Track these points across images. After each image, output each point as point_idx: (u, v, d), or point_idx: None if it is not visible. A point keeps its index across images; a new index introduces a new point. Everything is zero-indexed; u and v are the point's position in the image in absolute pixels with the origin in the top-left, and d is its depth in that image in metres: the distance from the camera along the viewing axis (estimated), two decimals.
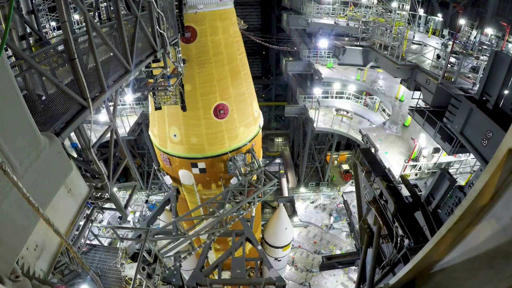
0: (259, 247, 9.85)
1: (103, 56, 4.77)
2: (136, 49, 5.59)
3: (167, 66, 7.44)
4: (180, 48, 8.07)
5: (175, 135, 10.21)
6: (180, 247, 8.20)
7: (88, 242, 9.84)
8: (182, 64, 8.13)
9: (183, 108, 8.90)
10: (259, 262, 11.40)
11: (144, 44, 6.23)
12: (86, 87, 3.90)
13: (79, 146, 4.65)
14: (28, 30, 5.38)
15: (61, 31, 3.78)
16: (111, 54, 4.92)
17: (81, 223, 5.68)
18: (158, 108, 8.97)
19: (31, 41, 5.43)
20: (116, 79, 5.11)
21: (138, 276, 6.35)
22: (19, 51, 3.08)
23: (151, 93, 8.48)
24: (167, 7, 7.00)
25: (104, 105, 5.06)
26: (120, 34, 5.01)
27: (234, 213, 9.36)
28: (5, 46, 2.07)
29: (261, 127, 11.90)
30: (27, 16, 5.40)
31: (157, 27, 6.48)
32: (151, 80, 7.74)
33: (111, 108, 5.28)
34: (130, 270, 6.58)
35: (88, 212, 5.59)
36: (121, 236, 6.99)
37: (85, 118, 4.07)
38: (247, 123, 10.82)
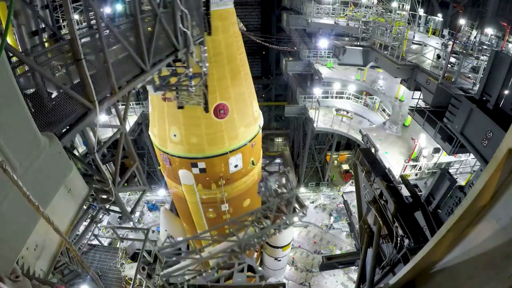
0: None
1: (117, 54, 4.58)
2: (155, 48, 5.29)
3: (190, 66, 7.03)
4: (206, 48, 7.61)
5: (175, 135, 10.21)
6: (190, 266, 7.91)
7: (84, 240, 9.82)
8: (207, 64, 7.66)
9: (206, 109, 8.50)
10: (258, 262, 11.41)
11: (165, 42, 5.88)
12: (93, 89, 3.75)
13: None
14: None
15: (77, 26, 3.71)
16: (126, 53, 4.70)
17: (85, 223, 5.60)
18: (180, 107, 8.54)
19: (45, 36, 5.23)
20: (129, 80, 4.90)
21: (138, 276, 6.35)
22: (17, 54, 3.00)
23: (172, 93, 7.96)
24: (193, 5, 6.60)
25: (113, 107, 4.85)
26: (135, 32, 4.74)
27: (256, 239, 8.56)
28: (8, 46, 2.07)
29: (261, 127, 11.89)
30: (42, 11, 5.14)
31: (180, 25, 6.03)
32: (175, 78, 7.33)
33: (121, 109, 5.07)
34: (130, 270, 6.59)
35: (93, 213, 5.48)
36: (121, 236, 6.99)
37: (91, 121, 3.91)
38: (247, 123, 10.81)
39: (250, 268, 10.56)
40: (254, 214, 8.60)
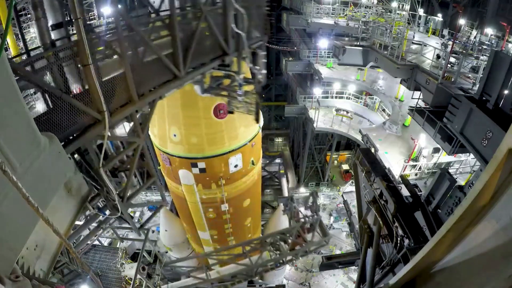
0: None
1: (142, 55, 3.98)
2: (196, 50, 4.56)
3: (241, 73, 6.05)
4: (265, 53, 6.61)
5: (175, 135, 10.20)
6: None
7: (88, 242, 9.81)
8: (263, 71, 6.67)
9: (256, 120, 7.76)
10: None
11: (212, 44, 5.13)
12: (103, 98, 3.29)
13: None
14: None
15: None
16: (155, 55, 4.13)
17: (91, 226, 5.46)
18: (230, 112, 7.69)
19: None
20: (157, 86, 4.25)
21: (138, 276, 6.35)
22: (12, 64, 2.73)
23: (224, 98, 7.12)
24: (252, 3, 5.71)
25: (130, 116, 4.23)
26: (170, 31, 4.09)
27: (270, 264, 7.88)
28: (24, 48, 2.06)
29: (261, 127, 11.89)
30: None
31: (233, 25, 5.18)
32: (228, 81, 6.45)
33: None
34: (130, 270, 6.60)
35: (101, 219, 5.26)
36: (121, 236, 6.98)
37: (99, 133, 3.48)
38: (247, 123, 10.81)
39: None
40: (272, 237, 7.89)
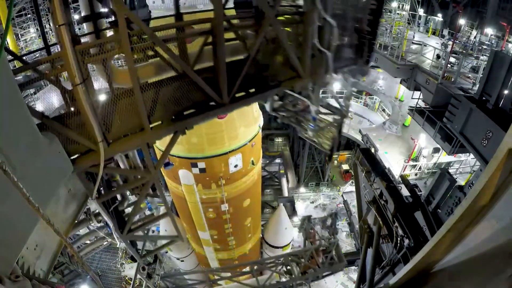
0: None
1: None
2: (251, 70, 3.43)
3: (316, 103, 4.57)
4: (354, 80, 5.08)
5: None
6: None
7: (88, 241, 9.80)
8: (349, 102, 5.15)
9: (329, 158, 6.99)
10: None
11: (278, 62, 3.94)
12: (97, 126, 2.63)
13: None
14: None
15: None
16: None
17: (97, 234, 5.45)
18: (299, 137, 6.17)
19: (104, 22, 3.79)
20: (180, 113, 3.23)
21: (138, 276, 6.35)
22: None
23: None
24: (349, 12, 3.96)
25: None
26: (215, 39, 2.91)
27: None
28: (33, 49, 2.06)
29: (261, 127, 11.89)
30: None
31: (316, 40, 3.67)
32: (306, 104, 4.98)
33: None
34: (130, 270, 6.60)
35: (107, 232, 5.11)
36: None
37: (94, 164, 2.92)
38: (247, 123, 10.80)
39: None
40: (285, 258, 7.40)
